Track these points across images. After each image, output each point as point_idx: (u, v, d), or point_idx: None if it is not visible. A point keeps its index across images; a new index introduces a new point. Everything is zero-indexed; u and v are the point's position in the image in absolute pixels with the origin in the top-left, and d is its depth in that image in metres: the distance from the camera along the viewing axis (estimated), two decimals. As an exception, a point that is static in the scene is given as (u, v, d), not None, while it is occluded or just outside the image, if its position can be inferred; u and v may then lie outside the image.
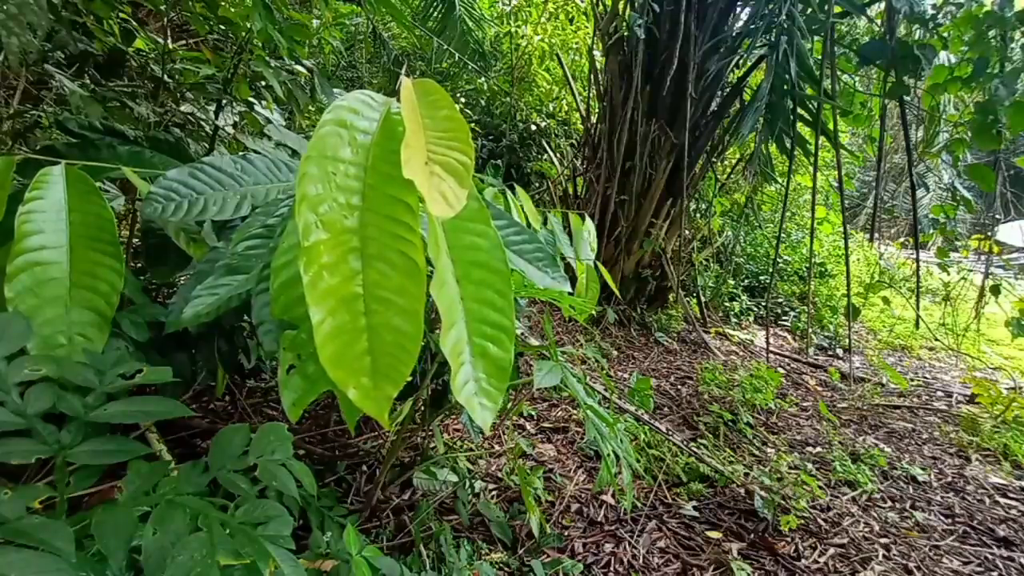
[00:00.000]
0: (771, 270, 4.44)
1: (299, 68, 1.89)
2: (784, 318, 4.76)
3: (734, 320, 4.54)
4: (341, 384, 0.35)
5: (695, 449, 1.74)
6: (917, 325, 3.23)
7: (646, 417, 1.97)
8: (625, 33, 3.19)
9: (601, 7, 4.05)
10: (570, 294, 1.35)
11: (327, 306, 0.33)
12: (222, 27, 1.87)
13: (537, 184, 6.11)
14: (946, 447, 2.36)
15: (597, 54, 4.44)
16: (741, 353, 3.80)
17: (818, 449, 2.15)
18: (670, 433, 1.85)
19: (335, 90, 1.96)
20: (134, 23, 2.02)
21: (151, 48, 2.12)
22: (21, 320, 0.54)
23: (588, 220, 1.93)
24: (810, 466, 1.91)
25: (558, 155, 6.00)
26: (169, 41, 2.07)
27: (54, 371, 0.54)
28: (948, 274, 3.97)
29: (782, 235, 6.03)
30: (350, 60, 7.60)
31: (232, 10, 1.84)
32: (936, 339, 4.38)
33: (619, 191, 3.82)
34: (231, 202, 0.72)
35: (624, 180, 3.81)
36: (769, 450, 2.08)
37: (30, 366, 0.52)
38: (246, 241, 0.57)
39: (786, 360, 3.80)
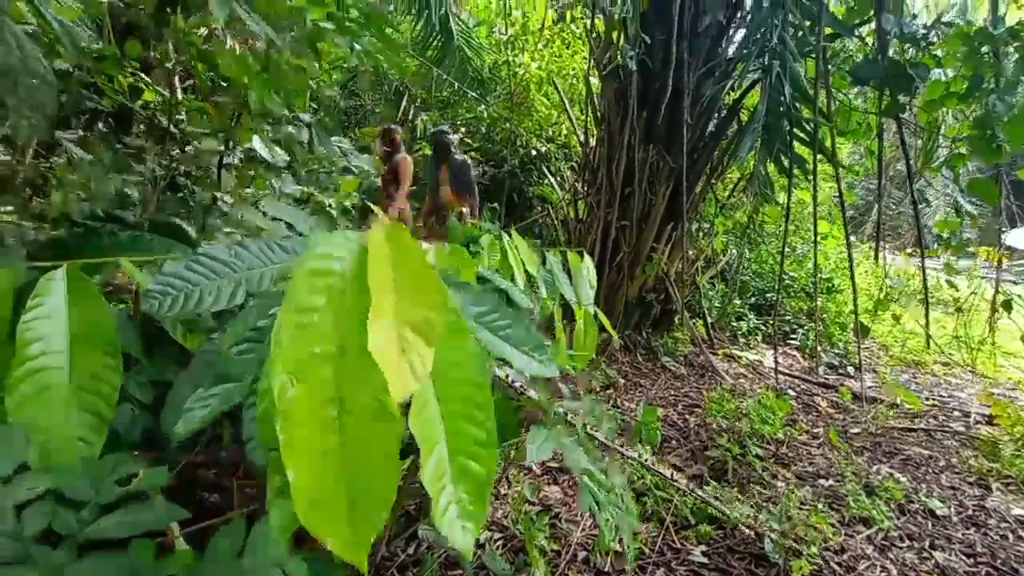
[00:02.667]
0: (777, 288, 4.40)
1: (300, 119, 1.94)
2: (793, 336, 4.71)
3: (742, 340, 4.50)
4: (319, 536, 0.35)
5: (701, 493, 1.71)
6: (928, 344, 3.18)
7: (651, 462, 1.95)
8: (619, 63, 3.24)
9: (596, 34, 4.13)
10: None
11: (303, 465, 0.34)
12: (223, 83, 1.93)
13: (539, 208, 6.16)
14: (965, 475, 2.30)
15: (594, 80, 4.51)
16: (750, 376, 3.76)
17: (830, 482, 2.10)
18: (674, 477, 1.83)
19: (333, 139, 2.01)
20: (143, 76, 2.09)
21: (158, 100, 2.19)
22: (20, 434, 0.56)
23: (587, 258, 1.94)
24: (821, 505, 1.87)
25: (559, 178, 6.06)
26: (176, 92, 2.15)
27: (51, 482, 0.55)
28: (957, 289, 3.92)
29: (788, 250, 6.01)
30: (352, 89, 7.78)
31: (232, 66, 1.89)
32: (949, 355, 4.30)
33: (620, 216, 3.83)
34: (226, 291, 0.74)
35: (624, 205, 3.83)
36: (779, 484, 2.04)
37: (28, 484, 0.53)
38: (237, 345, 0.59)
39: (796, 381, 3.75)
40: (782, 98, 3.35)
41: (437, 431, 0.45)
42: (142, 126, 2.16)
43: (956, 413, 3.26)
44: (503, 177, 6.16)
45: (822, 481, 2.12)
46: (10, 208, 1.53)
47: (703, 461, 2.18)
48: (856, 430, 2.82)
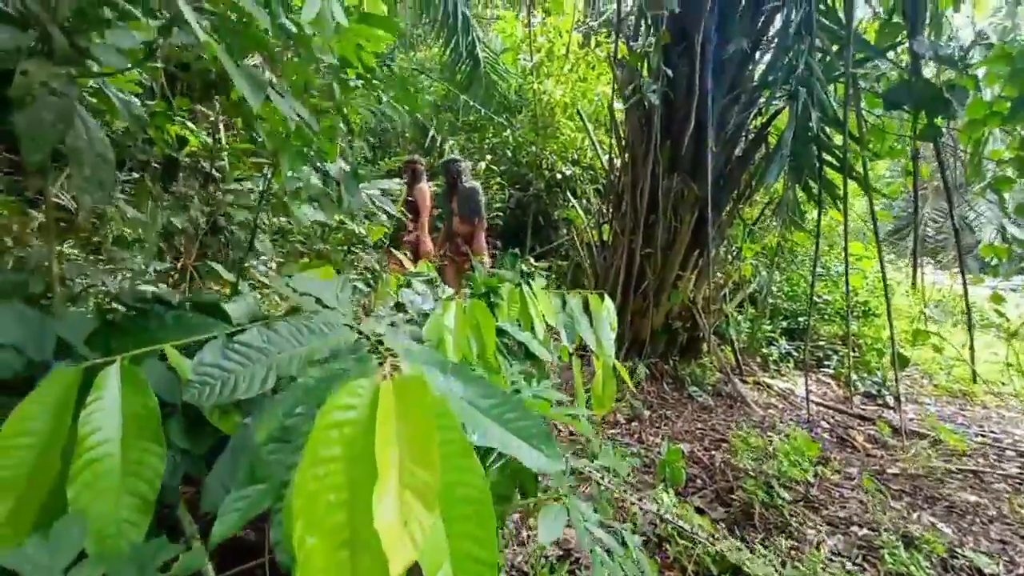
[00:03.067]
0: (808, 311, 4.26)
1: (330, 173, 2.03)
2: (827, 363, 4.56)
3: (773, 367, 4.38)
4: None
5: (722, 547, 1.68)
6: (974, 379, 3.03)
7: (674, 504, 1.93)
8: (642, 95, 3.26)
9: (620, 58, 4.16)
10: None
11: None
12: (262, 141, 2.05)
13: (565, 230, 6.19)
14: (1017, 527, 2.17)
15: (617, 104, 4.55)
16: (780, 406, 3.66)
17: (864, 531, 2.02)
18: (695, 526, 1.80)
19: (361, 186, 2.10)
20: (190, 125, 2.24)
21: (202, 147, 2.35)
22: (79, 522, 0.63)
23: (607, 300, 1.96)
24: (850, 565, 1.80)
25: (584, 201, 6.08)
26: (220, 138, 2.30)
27: (105, 569, 0.62)
28: (1007, 319, 3.72)
29: (822, 271, 5.84)
30: (381, 117, 8.07)
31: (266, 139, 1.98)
32: (1001, 385, 4.07)
33: (644, 243, 3.83)
34: (258, 377, 0.81)
35: (649, 232, 3.82)
36: (809, 532, 1.98)
37: (86, 574, 0.60)
38: (266, 444, 0.65)
39: (830, 412, 3.62)
40: (810, 124, 3.30)
41: (442, 554, 0.49)
42: (187, 171, 2.32)
43: (1009, 452, 3.08)
44: (529, 200, 6.24)
45: (855, 529, 2.04)
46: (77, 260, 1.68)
47: (728, 504, 2.14)
48: (894, 470, 2.70)
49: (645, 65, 3.65)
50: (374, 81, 1.81)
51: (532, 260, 5.49)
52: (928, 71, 3.83)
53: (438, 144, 6.60)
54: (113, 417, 0.71)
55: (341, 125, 1.60)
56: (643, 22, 3.90)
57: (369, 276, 2.08)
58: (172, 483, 0.97)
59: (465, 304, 1.40)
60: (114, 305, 1.09)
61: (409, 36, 8.34)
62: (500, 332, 1.48)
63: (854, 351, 4.72)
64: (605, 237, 4.40)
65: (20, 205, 1.60)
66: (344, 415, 0.44)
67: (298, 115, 1.18)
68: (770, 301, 4.88)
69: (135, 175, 2.29)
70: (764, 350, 4.48)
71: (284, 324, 0.86)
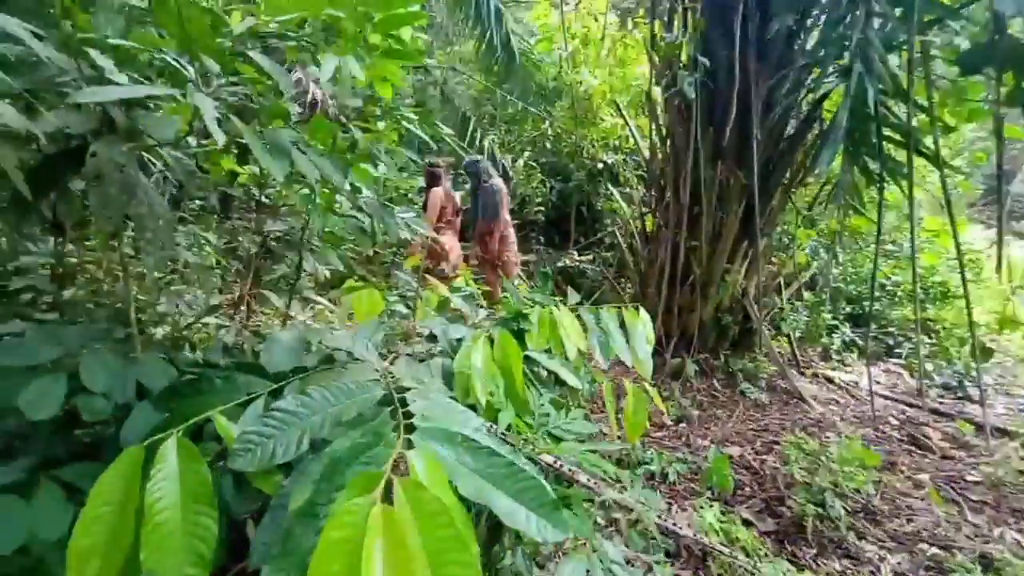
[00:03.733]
0: (871, 296, 3.95)
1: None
2: (898, 350, 4.24)
3: (835, 357, 4.14)
4: None
5: (767, 571, 1.65)
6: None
7: (720, 512, 1.90)
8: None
9: (659, 38, 3.98)
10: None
11: None
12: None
13: (609, 220, 6.08)
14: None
15: (657, 89, 4.37)
16: (842, 401, 3.46)
17: (935, 549, 1.90)
18: (737, 542, 1.77)
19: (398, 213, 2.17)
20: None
21: (252, 177, 2.51)
22: (150, 582, 0.74)
23: (643, 313, 1.93)
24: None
25: (627, 188, 5.94)
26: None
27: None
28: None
29: (893, 248, 5.40)
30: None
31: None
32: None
33: (690, 236, 3.70)
34: (293, 441, 0.89)
35: (694, 225, 3.69)
36: (869, 549, 1.89)
37: (156, 631, 0.71)
38: (297, 517, 0.72)
39: (900, 407, 3.39)
40: (868, 99, 3.04)
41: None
42: (239, 202, 2.49)
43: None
44: (571, 191, 6.16)
45: (924, 547, 1.92)
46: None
47: (778, 515, 2.08)
48: (975, 476, 2.50)
49: (684, 52, 3.48)
50: (398, 112, 1.87)
51: (576, 254, 5.46)
52: (1015, 27, 3.39)
53: (478, 140, 6.63)
54: (173, 485, 0.82)
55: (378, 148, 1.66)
56: (679, 4, 3.71)
57: (407, 298, 2.17)
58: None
59: (493, 335, 1.44)
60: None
61: (446, 30, 8.38)
62: (530, 360, 1.52)
63: (930, 337, 4.37)
64: (649, 227, 4.29)
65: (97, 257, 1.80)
66: (341, 534, 0.49)
67: (322, 172, 1.25)
68: (831, 286, 4.58)
69: (196, 205, 2.50)
70: (824, 339, 4.23)
71: (315, 389, 0.94)
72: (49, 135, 1.13)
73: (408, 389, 1.03)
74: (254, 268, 2.25)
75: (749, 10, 3.21)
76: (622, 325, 1.92)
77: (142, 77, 1.27)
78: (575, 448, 1.16)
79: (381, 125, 1.76)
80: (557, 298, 1.89)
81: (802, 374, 3.82)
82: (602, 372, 1.65)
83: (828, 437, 2.76)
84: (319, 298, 2.18)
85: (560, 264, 5.28)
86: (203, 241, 2.14)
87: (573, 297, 2.05)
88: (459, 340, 1.59)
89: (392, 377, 1.10)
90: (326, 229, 1.64)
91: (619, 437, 2.11)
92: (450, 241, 3.96)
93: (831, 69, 3.26)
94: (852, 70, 3.06)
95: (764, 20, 3.22)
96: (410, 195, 5.15)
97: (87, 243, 1.94)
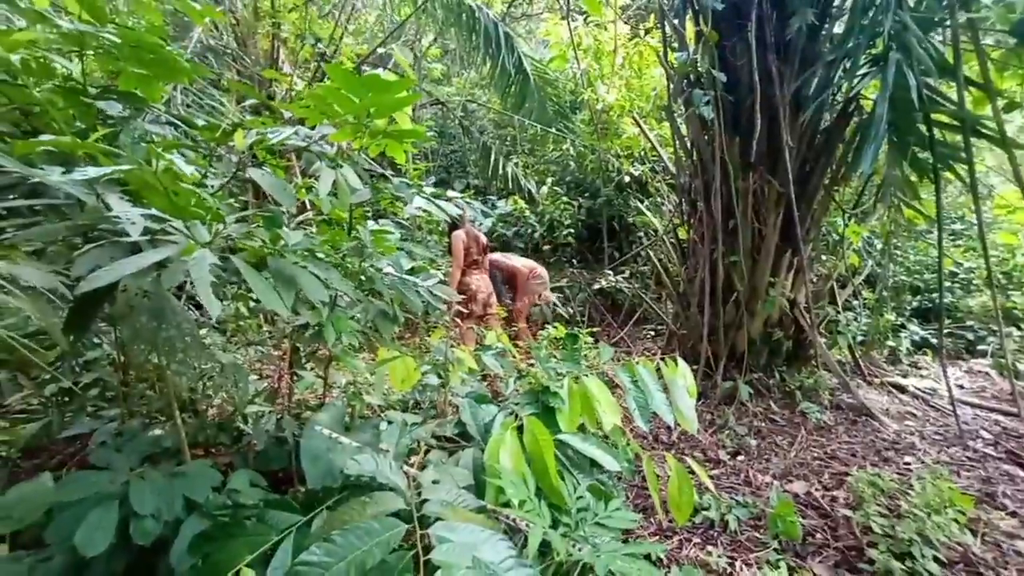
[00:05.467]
0: (939, 287, 3.58)
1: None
2: (981, 346, 3.86)
3: (905, 361, 3.81)
4: None
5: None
6: None
7: (791, 567, 1.76)
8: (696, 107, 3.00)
9: (671, 57, 3.86)
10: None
11: None
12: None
13: (642, 233, 5.93)
14: None
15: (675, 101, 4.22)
16: (919, 413, 3.17)
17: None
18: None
19: (421, 280, 2.17)
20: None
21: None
22: None
23: (681, 364, 1.84)
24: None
25: (658, 199, 5.78)
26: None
27: None
28: None
29: (963, 228, 4.96)
30: (449, 132, 8.30)
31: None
32: None
33: (727, 251, 3.53)
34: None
35: (730, 239, 3.52)
36: (967, 608, 1.69)
37: None
38: None
39: (991, 416, 3.06)
40: (909, 88, 2.80)
41: None
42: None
43: None
44: (599, 207, 6.06)
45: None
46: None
47: (858, 571, 1.90)
48: (1086, 501, 2.21)
49: (705, 59, 3.32)
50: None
51: (611, 274, 5.34)
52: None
53: (500, 167, 6.64)
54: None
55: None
56: (690, 9, 3.57)
57: (440, 367, 2.15)
58: None
59: (521, 422, 1.40)
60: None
61: (463, 55, 8.48)
62: (562, 444, 1.46)
63: (1019, 328, 3.95)
64: (682, 237, 4.12)
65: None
66: None
67: (330, 286, 1.26)
68: (891, 280, 4.24)
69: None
70: (890, 341, 3.91)
71: (339, 533, 0.93)
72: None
73: (434, 518, 1.00)
74: (291, 347, 2.31)
75: (764, 12, 3.05)
76: (660, 376, 1.84)
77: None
78: (615, 554, 1.08)
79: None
80: (591, 331, 1.82)
81: (868, 384, 3.54)
82: (641, 447, 1.57)
83: (908, 464, 2.53)
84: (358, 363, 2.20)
85: (596, 286, 5.18)
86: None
87: (606, 353, 1.98)
88: (489, 423, 1.56)
89: (418, 498, 1.08)
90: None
91: (666, 512, 2.00)
92: (478, 281, 3.94)
93: (862, 60, 3.03)
94: (887, 58, 2.84)
95: (782, 20, 3.05)
96: (441, 227, 5.22)
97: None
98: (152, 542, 1.25)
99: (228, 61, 4.99)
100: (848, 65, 3.07)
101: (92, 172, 0.93)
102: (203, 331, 2.29)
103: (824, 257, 4.18)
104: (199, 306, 2.30)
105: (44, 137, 0.96)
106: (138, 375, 2.21)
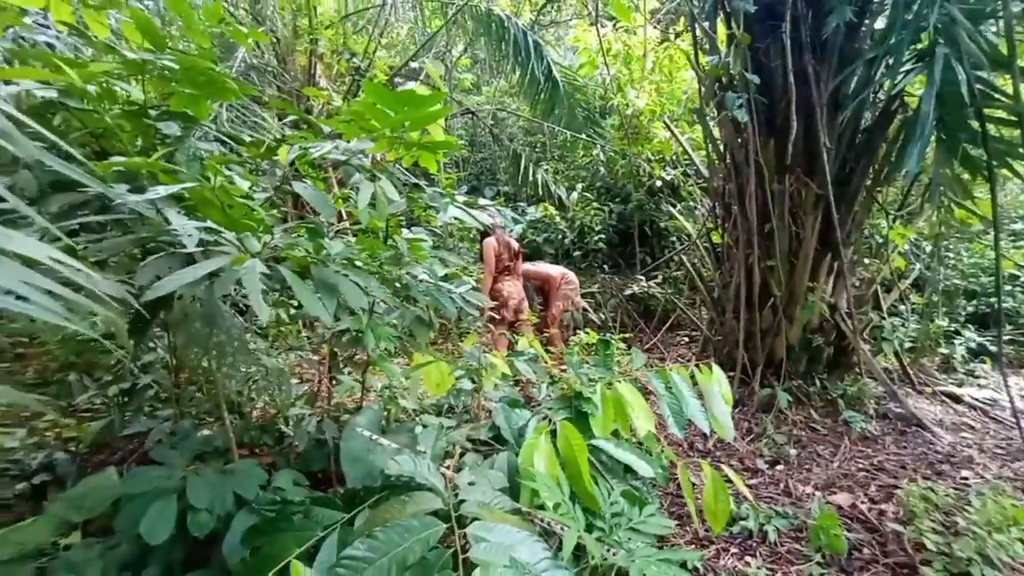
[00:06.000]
0: (997, 292, 3.40)
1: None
2: (1044, 353, 3.62)
3: (960, 369, 3.61)
4: None
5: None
6: None
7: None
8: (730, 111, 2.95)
9: (702, 60, 3.81)
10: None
11: None
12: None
13: (674, 238, 5.84)
14: None
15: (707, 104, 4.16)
16: (979, 425, 3.00)
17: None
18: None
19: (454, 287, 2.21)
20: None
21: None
22: None
23: (716, 370, 1.82)
24: None
25: (692, 202, 5.69)
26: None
27: None
28: None
29: (1019, 227, 4.67)
30: (479, 141, 8.40)
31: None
32: None
33: (764, 255, 3.45)
34: (383, 571, 0.92)
35: (766, 243, 3.43)
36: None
37: None
38: None
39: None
40: (959, 83, 2.68)
41: None
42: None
43: None
44: (630, 212, 6.00)
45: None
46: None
47: (908, 587, 1.81)
48: None
49: (737, 62, 3.27)
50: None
51: (643, 279, 5.28)
52: None
53: (531, 174, 6.68)
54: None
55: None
56: (721, 12, 3.53)
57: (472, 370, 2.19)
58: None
59: (555, 427, 1.41)
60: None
61: (492, 64, 8.59)
62: (596, 449, 1.47)
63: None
64: (716, 242, 4.04)
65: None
66: None
67: (368, 293, 1.31)
68: (942, 284, 4.04)
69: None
70: (943, 348, 3.72)
71: (381, 530, 0.96)
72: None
73: (471, 518, 1.03)
74: (329, 352, 2.40)
75: (799, 12, 2.98)
76: (694, 383, 1.82)
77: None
78: (649, 559, 1.08)
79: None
80: (623, 337, 1.82)
81: (919, 393, 3.38)
82: (674, 449, 1.55)
83: (965, 478, 2.39)
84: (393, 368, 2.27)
85: (628, 292, 5.13)
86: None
87: (639, 358, 1.97)
88: (523, 427, 1.58)
89: (455, 498, 1.11)
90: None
91: (702, 521, 1.96)
92: (510, 287, 3.97)
93: (907, 56, 2.92)
94: (934, 54, 2.74)
95: (818, 19, 2.98)
96: (472, 234, 5.29)
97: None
98: (206, 535, 1.33)
99: (269, 78, 5.24)
100: (890, 62, 2.96)
101: (163, 190, 1.01)
102: (247, 336, 2.40)
103: (867, 260, 4.02)
104: (242, 313, 2.41)
105: (116, 158, 1.05)
106: (188, 378, 2.34)
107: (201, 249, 1.26)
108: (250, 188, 1.62)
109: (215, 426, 1.94)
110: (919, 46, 2.88)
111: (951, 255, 4.46)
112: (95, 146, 1.47)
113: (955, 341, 3.74)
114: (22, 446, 2.06)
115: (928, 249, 4.23)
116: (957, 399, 3.28)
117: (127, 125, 1.22)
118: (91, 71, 1.06)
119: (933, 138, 2.91)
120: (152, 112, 1.49)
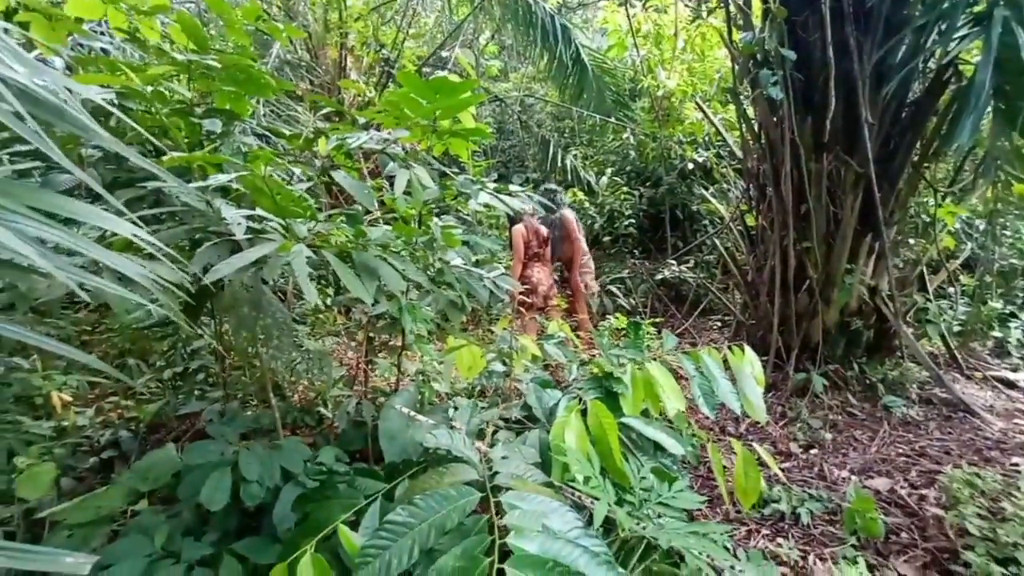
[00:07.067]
0: None
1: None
2: (1108, 337, 3.40)
3: (1017, 355, 3.44)
4: None
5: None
6: None
7: (871, 566, 1.68)
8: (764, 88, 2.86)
9: (736, 37, 3.69)
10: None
11: None
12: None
13: (706, 221, 5.72)
14: None
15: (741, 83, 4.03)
16: (1031, 412, 2.86)
17: None
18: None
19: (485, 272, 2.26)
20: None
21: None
22: None
23: (748, 351, 1.81)
24: None
25: (724, 185, 5.55)
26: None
27: None
28: None
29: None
30: (506, 128, 8.39)
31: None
32: None
33: (800, 237, 3.35)
34: (406, 551, 0.98)
35: (802, 223, 3.33)
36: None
37: None
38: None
39: (1118, 415, 2.71)
40: (1020, 47, 2.51)
41: None
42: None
43: None
44: (661, 196, 5.91)
45: None
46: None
47: (950, 573, 1.77)
48: None
49: (772, 37, 3.15)
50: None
51: (675, 264, 5.21)
52: None
53: (559, 160, 6.64)
54: (312, 596, 0.94)
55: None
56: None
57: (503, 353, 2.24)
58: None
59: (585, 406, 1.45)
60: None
61: (519, 50, 8.52)
62: (626, 427, 1.49)
63: None
64: (750, 224, 3.94)
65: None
66: None
67: (406, 277, 1.37)
68: (997, 265, 3.83)
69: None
70: (996, 332, 3.54)
71: (420, 498, 1.02)
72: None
73: (505, 488, 1.07)
74: (366, 337, 2.49)
75: (840, -19, 2.85)
76: (726, 365, 1.81)
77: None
78: (679, 531, 1.11)
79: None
80: (654, 321, 1.83)
81: (967, 378, 3.24)
82: (706, 432, 1.56)
83: (1016, 465, 2.30)
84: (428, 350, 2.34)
85: (659, 277, 5.07)
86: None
87: (670, 341, 1.97)
88: (554, 406, 1.62)
89: (490, 471, 1.16)
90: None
91: (733, 503, 1.96)
92: (538, 273, 3.99)
93: (962, 20, 2.75)
94: (992, 17, 2.58)
95: (861, -14, 2.84)
96: (501, 221, 5.32)
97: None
98: (256, 505, 1.43)
99: (303, 73, 5.37)
100: (943, 27, 2.80)
101: (223, 177, 1.08)
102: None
103: (912, 241, 3.84)
104: (282, 300, 2.54)
105: (176, 154, 1.12)
106: (234, 362, 2.48)
107: (248, 237, 1.34)
108: (291, 177, 1.70)
109: (260, 407, 2.05)
110: (975, 9, 2.71)
111: (1008, 233, 4.21)
112: (148, 145, 1.57)
113: (1010, 324, 3.56)
114: (91, 424, 2.24)
115: (981, 227, 4.02)
116: (1011, 384, 3.13)
117: (181, 124, 1.30)
118: (150, 74, 1.13)
119: (989, 108, 2.75)
120: (197, 110, 1.58)
